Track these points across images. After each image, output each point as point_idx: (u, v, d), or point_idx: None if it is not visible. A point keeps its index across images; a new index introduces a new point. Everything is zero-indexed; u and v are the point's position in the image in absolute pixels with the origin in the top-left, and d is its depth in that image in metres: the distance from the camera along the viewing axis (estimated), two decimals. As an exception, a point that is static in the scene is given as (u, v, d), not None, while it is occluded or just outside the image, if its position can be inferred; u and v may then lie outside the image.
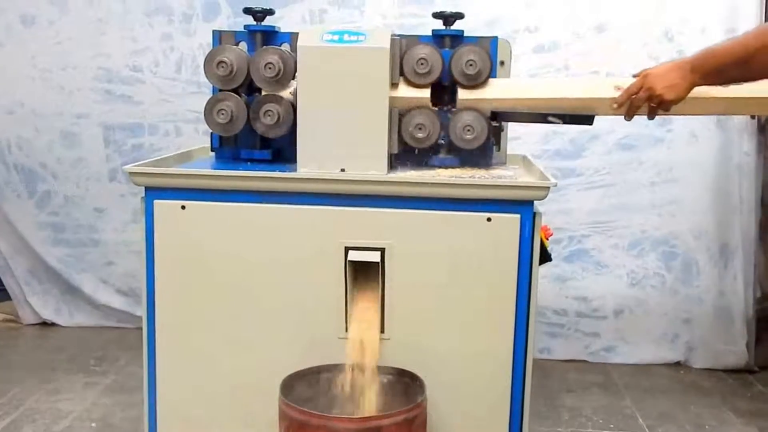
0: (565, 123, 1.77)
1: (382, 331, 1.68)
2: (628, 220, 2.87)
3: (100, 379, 2.69)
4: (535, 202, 1.64)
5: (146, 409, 1.76)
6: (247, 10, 1.88)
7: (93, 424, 2.36)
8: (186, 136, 2.94)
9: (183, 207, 1.68)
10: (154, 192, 1.68)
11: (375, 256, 1.64)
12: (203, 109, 1.79)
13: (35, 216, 3.11)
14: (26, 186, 3.10)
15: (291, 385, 1.62)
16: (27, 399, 2.52)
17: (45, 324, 3.20)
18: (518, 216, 1.63)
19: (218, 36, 1.91)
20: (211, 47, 1.85)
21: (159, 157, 1.86)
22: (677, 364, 2.93)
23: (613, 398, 2.64)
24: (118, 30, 2.95)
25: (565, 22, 2.81)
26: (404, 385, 1.66)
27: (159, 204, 1.68)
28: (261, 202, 1.67)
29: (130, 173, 1.67)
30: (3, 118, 3.05)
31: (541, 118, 1.78)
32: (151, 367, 1.74)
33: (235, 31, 1.91)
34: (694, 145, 2.82)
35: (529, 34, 2.79)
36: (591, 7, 2.81)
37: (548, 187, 1.61)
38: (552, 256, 1.91)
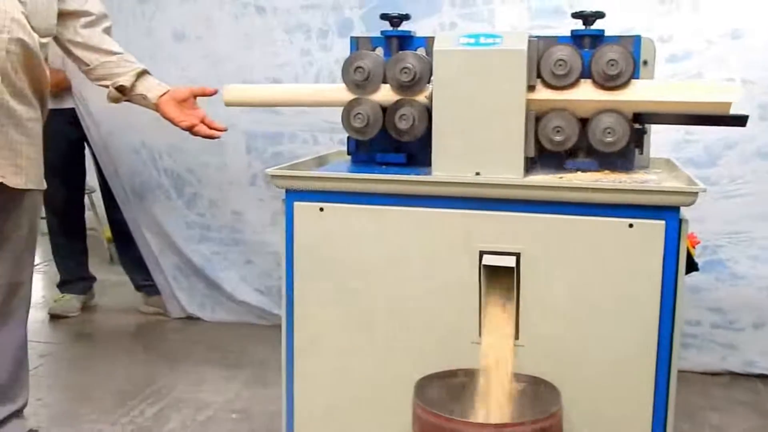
0: (715, 125, 1.67)
1: (517, 337, 1.65)
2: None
3: (238, 373, 2.81)
4: (681, 208, 1.56)
5: (284, 405, 1.81)
6: (384, 16, 1.90)
7: (234, 416, 2.48)
8: (322, 145, 3.03)
9: (321, 209, 1.72)
10: (293, 194, 1.74)
11: (510, 261, 1.61)
12: (340, 114, 1.82)
13: (184, 216, 3.31)
14: (175, 189, 3.29)
15: (425, 387, 1.62)
16: (173, 389, 2.68)
17: (190, 318, 3.40)
18: (663, 222, 1.55)
19: (356, 42, 1.94)
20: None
21: (297, 161, 1.92)
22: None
23: (764, 419, 2.46)
24: (261, 45, 3.08)
25: (696, 30, 2.65)
26: (538, 393, 1.62)
27: (299, 206, 1.73)
28: (396, 205, 1.68)
29: (271, 176, 1.74)
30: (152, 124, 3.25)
31: (689, 119, 1.68)
32: (289, 364, 1.79)
33: (372, 37, 1.94)
34: None
35: (662, 43, 2.66)
36: (724, 13, 2.63)
37: (696, 193, 1.52)
38: (699, 266, 1.81)
